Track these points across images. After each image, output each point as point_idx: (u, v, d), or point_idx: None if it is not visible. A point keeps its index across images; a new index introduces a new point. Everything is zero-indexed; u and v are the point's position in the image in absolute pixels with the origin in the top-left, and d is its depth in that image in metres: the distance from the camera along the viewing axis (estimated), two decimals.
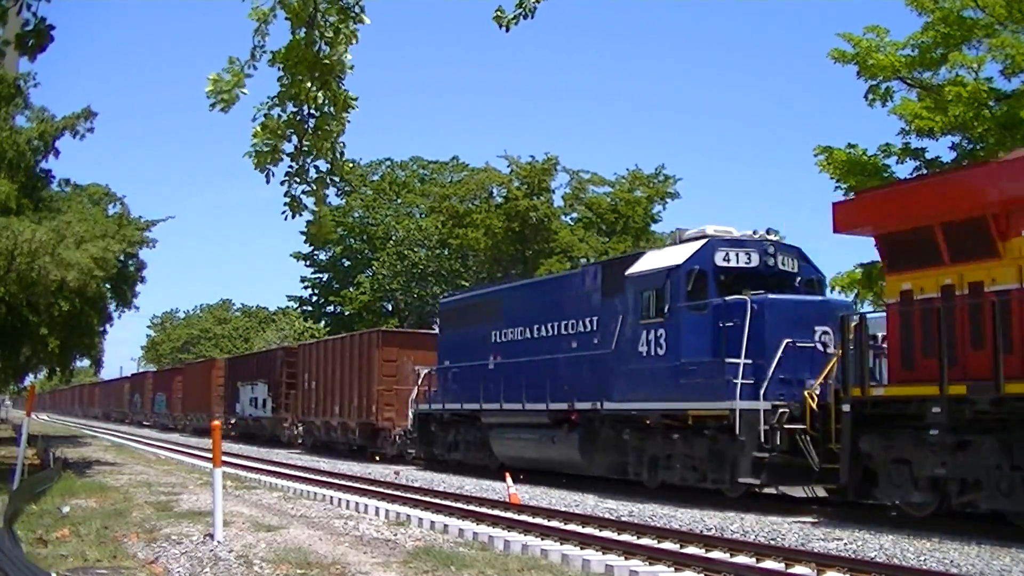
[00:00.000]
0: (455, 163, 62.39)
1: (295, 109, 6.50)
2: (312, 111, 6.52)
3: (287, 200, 6.84)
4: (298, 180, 6.75)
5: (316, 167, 6.74)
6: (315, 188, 6.81)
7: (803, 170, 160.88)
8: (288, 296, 76.19)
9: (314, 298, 64.65)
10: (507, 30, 6.29)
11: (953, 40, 23.50)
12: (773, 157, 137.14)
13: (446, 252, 51.94)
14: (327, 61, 6.36)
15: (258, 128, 6.41)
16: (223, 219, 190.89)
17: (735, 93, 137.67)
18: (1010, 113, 22.27)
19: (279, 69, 6.35)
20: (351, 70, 6.50)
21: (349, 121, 6.63)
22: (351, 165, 6.81)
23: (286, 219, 6.86)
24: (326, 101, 6.49)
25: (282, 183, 6.73)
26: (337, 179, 6.84)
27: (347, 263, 61.91)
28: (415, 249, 53.43)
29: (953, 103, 22.61)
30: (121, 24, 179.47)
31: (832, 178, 25.71)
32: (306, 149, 6.64)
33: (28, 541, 11.07)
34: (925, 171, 25.51)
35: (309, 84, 6.41)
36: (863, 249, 50.38)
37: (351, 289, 58.08)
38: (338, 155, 6.66)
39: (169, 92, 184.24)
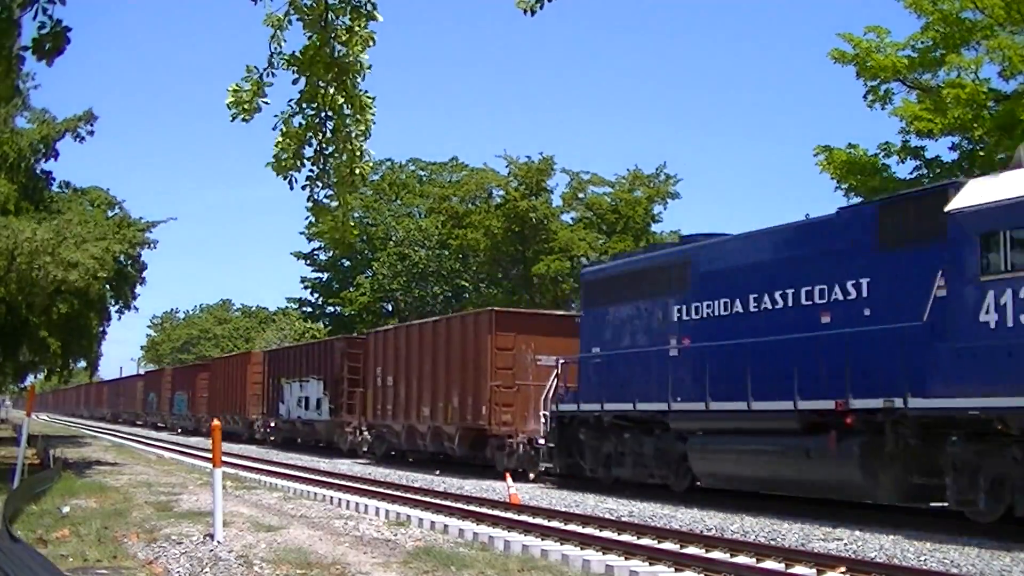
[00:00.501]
0: (454, 163, 62.46)
1: (313, 112, 6.53)
2: (330, 113, 6.55)
3: (309, 205, 6.88)
4: (320, 184, 6.77)
5: (337, 170, 6.76)
6: (337, 191, 6.82)
7: (804, 170, 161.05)
8: (288, 298, 76.03)
9: (314, 297, 64.72)
10: (532, 14, 6.22)
11: (952, 41, 23.56)
12: (774, 157, 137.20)
13: (446, 252, 51.96)
14: (343, 62, 6.39)
15: (280, 137, 6.46)
16: (223, 220, 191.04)
17: (736, 93, 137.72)
18: (1009, 114, 22.30)
19: (294, 72, 6.39)
20: (369, 70, 6.52)
21: (374, 122, 6.63)
22: (370, 166, 6.80)
23: (310, 223, 6.93)
24: (344, 102, 6.52)
25: (303, 187, 6.76)
26: (358, 181, 6.84)
27: (347, 263, 61.94)
28: (415, 249, 53.44)
29: (952, 105, 22.67)
30: (122, 25, 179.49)
31: (832, 178, 25.80)
32: (327, 152, 6.66)
33: (28, 541, 11.07)
34: (926, 171, 25.61)
35: (326, 86, 6.44)
36: None
37: (351, 290, 58.09)
38: (357, 156, 6.66)
39: (170, 93, 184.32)
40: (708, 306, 17.58)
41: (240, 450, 35.89)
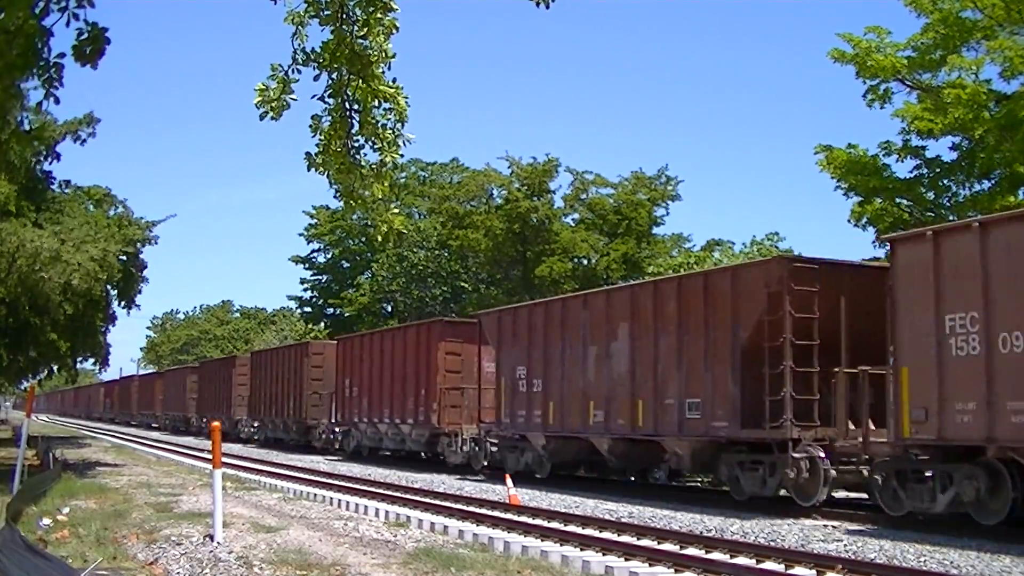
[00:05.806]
0: (455, 165, 62.46)
1: (338, 106, 6.58)
2: (356, 107, 6.59)
3: (344, 199, 6.96)
4: (352, 177, 6.82)
5: (368, 161, 6.81)
6: (369, 182, 6.86)
7: (806, 171, 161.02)
8: (288, 296, 75.94)
9: (313, 299, 64.68)
10: (547, 7, 6.20)
11: (952, 41, 23.56)
12: (776, 158, 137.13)
13: (446, 253, 51.95)
14: (365, 54, 6.42)
15: (312, 134, 6.51)
16: (223, 220, 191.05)
17: (736, 95, 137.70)
18: (1009, 115, 22.30)
19: (315, 68, 6.42)
20: (393, 58, 6.53)
21: (408, 104, 6.62)
22: (400, 154, 6.79)
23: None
24: (369, 94, 6.55)
25: (335, 181, 6.82)
26: (389, 171, 6.87)
27: (346, 265, 61.93)
28: (414, 250, 53.42)
29: (953, 105, 22.67)
30: (122, 25, 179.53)
31: (833, 177, 25.81)
32: (357, 145, 6.71)
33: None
34: (926, 170, 25.61)
35: (349, 79, 6.48)
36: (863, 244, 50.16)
37: (351, 291, 58.08)
38: (387, 147, 6.68)
39: (170, 93, 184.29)
40: None
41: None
